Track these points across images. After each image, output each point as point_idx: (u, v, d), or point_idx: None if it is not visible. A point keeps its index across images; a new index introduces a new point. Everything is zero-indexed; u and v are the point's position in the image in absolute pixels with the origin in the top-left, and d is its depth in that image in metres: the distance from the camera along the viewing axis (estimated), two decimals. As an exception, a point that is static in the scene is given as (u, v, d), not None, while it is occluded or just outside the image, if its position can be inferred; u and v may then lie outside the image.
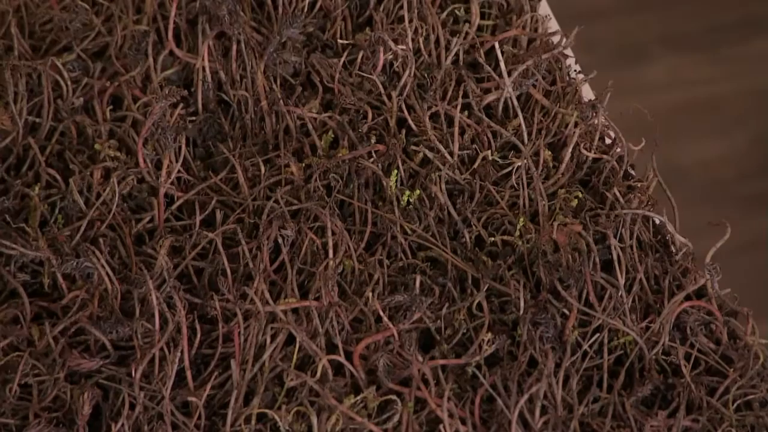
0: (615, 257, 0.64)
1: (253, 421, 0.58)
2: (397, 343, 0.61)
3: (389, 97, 0.70)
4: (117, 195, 0.65)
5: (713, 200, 1.60)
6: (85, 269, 0.62)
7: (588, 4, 1.77)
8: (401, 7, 0.72)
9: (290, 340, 0.61)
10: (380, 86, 0.71)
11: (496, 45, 0.71)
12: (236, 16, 0.70)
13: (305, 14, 0.72)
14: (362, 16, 0.74)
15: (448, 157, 0.68)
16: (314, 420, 0.57)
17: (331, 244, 0.64)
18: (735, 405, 0.61)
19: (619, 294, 0.63)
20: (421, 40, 0.72)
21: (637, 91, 1.64)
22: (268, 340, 0.60)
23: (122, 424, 0.57)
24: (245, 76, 0.70)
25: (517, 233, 0.66)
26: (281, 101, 0.70)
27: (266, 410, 0.58)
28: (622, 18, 1.77)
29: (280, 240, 0.64)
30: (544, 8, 0.76)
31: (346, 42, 0.72)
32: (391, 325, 0.61)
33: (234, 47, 0.70)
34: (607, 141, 0.72)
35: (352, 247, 0.64)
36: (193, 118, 0.70)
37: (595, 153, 0.70)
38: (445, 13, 0.73)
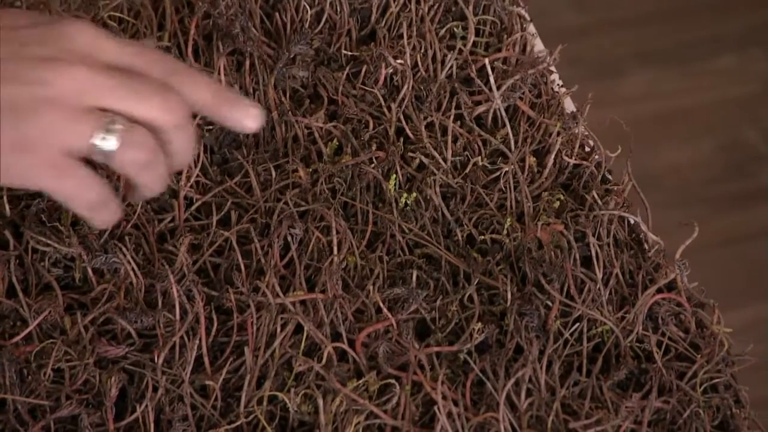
0: (593, 254, 0.64)
1: (265, 403, 0.58)
2: (395, 331, 0.61)
3: (389, 108, 0.70)
4: (141, 197, 0.65)
5: (683, 202, 1.60)
6: (113, 264, 0.62)
7: (570, 23, 1.77)
8: (402, 23, 0.72)
9: (298, 329, 0.60)
10: (380, 98, 0.70)
11: (486, 62, 0.71)
12: (248, 32, 0.70)
13: (312, 29, 0.72)
14: (365, 29, 0.74)
15: (442, 162, 0.68)
16: (320, 402, 0.57)
17: (335, 242, 0.63)
18: (702, 388, 0.61)
19: (597, 287, 0.63)
20: (419, 56, 0.72)
21: (614, 102, 1.64)
22: (279, 329, 0.60)
23: (146, 405, 0.57)
24: (257, 88, 0.70)
25: (505, 232, 0.66)
26: (290, 112, 0.69)
27: (277, 393, 0.58)
28: (601, 36, 1.77)
29: (289, 238, 0.64)
30: (530, 27, 0.76)
31: (350, 54, 0.72)
32: (390, 316, 0.61)
33: (247, 62, 0.70)
34: (587, 148, 0.71)
35: (354, 244, 0.64)
36: (210, 127, 0.70)
37: (575, 159, 0.70)
38: (444, 29, 0.73)
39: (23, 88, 0.56)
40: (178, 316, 0.59)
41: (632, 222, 0.67)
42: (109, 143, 0.56)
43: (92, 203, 0.57)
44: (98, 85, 0.57)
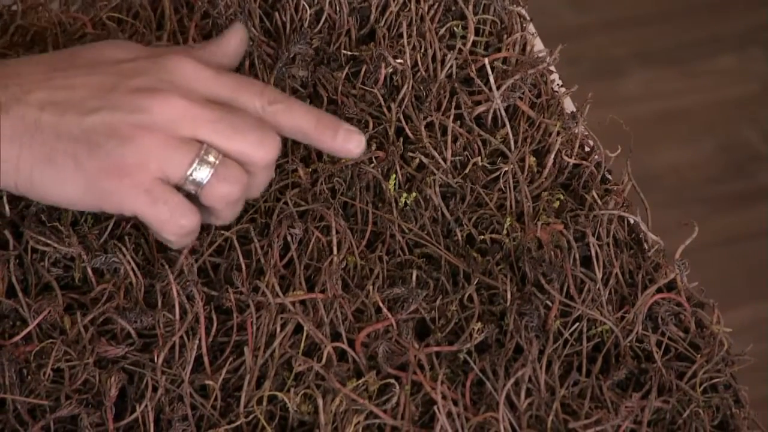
0: (593, 254, 0.64)
1: (265, 403, 0.58)
2: (395, 331, 0.60)
3: (389, 108, 0.70)
4: (141, 197, 0.65)
5: (683, 202, 1.60)
6: (113, 264, 0.61)
7: (569, 23, 1.77)
8: (401, 22, 0.72)
9: (298, 329, 0.60)
10: (380, 98, 0.70)
11: (486, 62, 0.71)
12: (248, 32, 0.70)
13: (312, 28, 0.72)
14: (364, 28, 0.74)
15: (442, 162, 0.68)
16: (320, 401, 0.57)
17: (335, 241, 0.63)
18: (702, 387, 0.61)
19: (597, 287, 0.63)
20: (419, 55, 0.72)
21: (614, 102, 1.64)
22: (278, 329, 0.59)
23: (146, 405, 0.57)
24: (257, 88, 0.70)
25: (505, 232, 0.66)
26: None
27: (276, 393, 0.58)
28: (600, 36, 1.77)
29: (288, 238, 0.63)
30: (530, 27, 0.76)
31: (349, 54, 0.72)
32: (389, 316, 0.61)
33: (246, 62, 0.70)
34: (587, 148, 0.71)
35: (354, 244, 0.64)
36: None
37: (575, 159, 0.69)
38: (443, 29, 0.73)
39: (121, 115, 0.57)
40: (177, 316, 0.59)
41: (632, 222, 0.67)
42: (202, 174, 0.58)
43: (184, 229, 0.59)
44: (196, 116, 0.58)
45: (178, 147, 0.58)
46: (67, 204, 0.59)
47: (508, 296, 0.62)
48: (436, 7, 0.74)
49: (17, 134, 0.57)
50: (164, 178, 0.58)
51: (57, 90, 0.57)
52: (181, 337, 0.59)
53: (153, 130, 0.57)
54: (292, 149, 0.69)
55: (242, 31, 0.65)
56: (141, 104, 0.57)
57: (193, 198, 0.59)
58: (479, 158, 0.69)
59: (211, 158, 0.58)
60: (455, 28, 0.73)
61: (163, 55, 0.60)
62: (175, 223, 0.58)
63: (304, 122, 0.61)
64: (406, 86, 0.70)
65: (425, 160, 0.68)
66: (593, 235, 0.65)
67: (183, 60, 0.60)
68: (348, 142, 0.61)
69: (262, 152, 0.59)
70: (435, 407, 0.57)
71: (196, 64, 0.60)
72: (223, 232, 0.64)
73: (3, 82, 0.57)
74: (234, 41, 0.64)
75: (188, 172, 0.58)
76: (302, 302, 0.61)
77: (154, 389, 0.57)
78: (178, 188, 0.59)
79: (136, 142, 0.57)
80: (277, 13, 0.72)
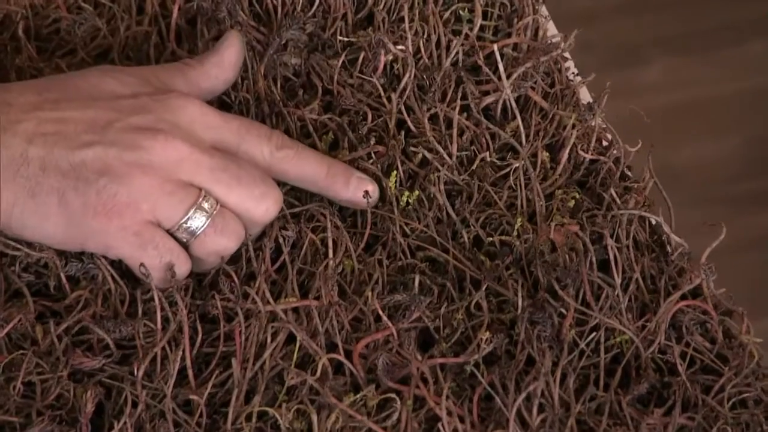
0: (612, 257, 0.63)
1: (254, 419, 0.57)
2: (396, 342, 0.60)
3: (389, 99, 0.70)
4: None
5: (707, 201, 1.60)
6: (90, 271, 0.61)
7: (585, 6, 1.77)
8: (402, 5, 0.72)
9: (291, 338, 0.60)
10: (380, 88, 0.70)
11: (495, 48, 0.70)
12: (236, 16, 0.70)
13: (305, 12, 0.72)
14: (362, 12, 0.74)
15: (447, 158, 0.68)
16: (314, 418, 0.57)
17: (330, 244, 0.63)
18: (730, 403, 0.61)
19: (616, 293, 0.63)
20: (421, 41, 0.71)
21: (633, 92, 1.64)
22: (269, 339, 0.59)
23: (125, 422, 0.57)
24: (246, 77, 0.69)
25: (515, 233, 0.65)
26: (282, 103, 0.69)
27: (267, 408, 0.57)
28: (619, 20, 1.76)
29: (281, 240, 0.63)
30: (543, 9, 0.76)
31: (346, 40, 0.72)
32: (390, 325, 0.61)
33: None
34: (604, 143, 0.71)
35: (351, 247, 0.63)
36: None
37: (592, 154, 0.69)
38: (448, 12, 0.73)
39: (117, 151, 0.57)
40: (159, 325, 0.59)
41: (654, 222, 0.67)
42: (197, 222, 0.59)
43: (171, 276, 0.59)
44: (198, 162, 0.59)
45: (174, 191, 0.58)
46: (47, 241, 0.59)
47: (519, 303, 0.62)
48: (440, -12, 0.74)
49: (1, 166, 0.57)
50: (155, 222, 0.58)
51: (47, 122, 0.57)
52: (163, 348, 0.58)
53: (149, 170, 0.57)
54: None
55: (238, 41, 0.65)
56: (140, 143, 0.58)
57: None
58: (487, 153, 0.68)
59: (208, 206, 0.58)
60: (461, 12, 0.73)
61: (167, 92, 0.60)
62: (163, 270, 0.59)
63: (314, 170, 0.62)
64: (407, 75, 0.69)
65: (429, 156, 0.67)
66: (612, 236, 0.64)
67: (188, 101, 0.60)
68: (360, 191, 0.62)
69: (263, 208, 0.60)
70: (439, 424, 0.57)
71: (202, 106, 0.60)
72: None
73: None
74: (230, 54, 0.65)
75: (183, 219, 0.58)
76: (295, 310, 0.61)
77: (134, 405, 0.57)
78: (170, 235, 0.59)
79: (130, 180, 0.57)
80: (267, -4, 0.72)
